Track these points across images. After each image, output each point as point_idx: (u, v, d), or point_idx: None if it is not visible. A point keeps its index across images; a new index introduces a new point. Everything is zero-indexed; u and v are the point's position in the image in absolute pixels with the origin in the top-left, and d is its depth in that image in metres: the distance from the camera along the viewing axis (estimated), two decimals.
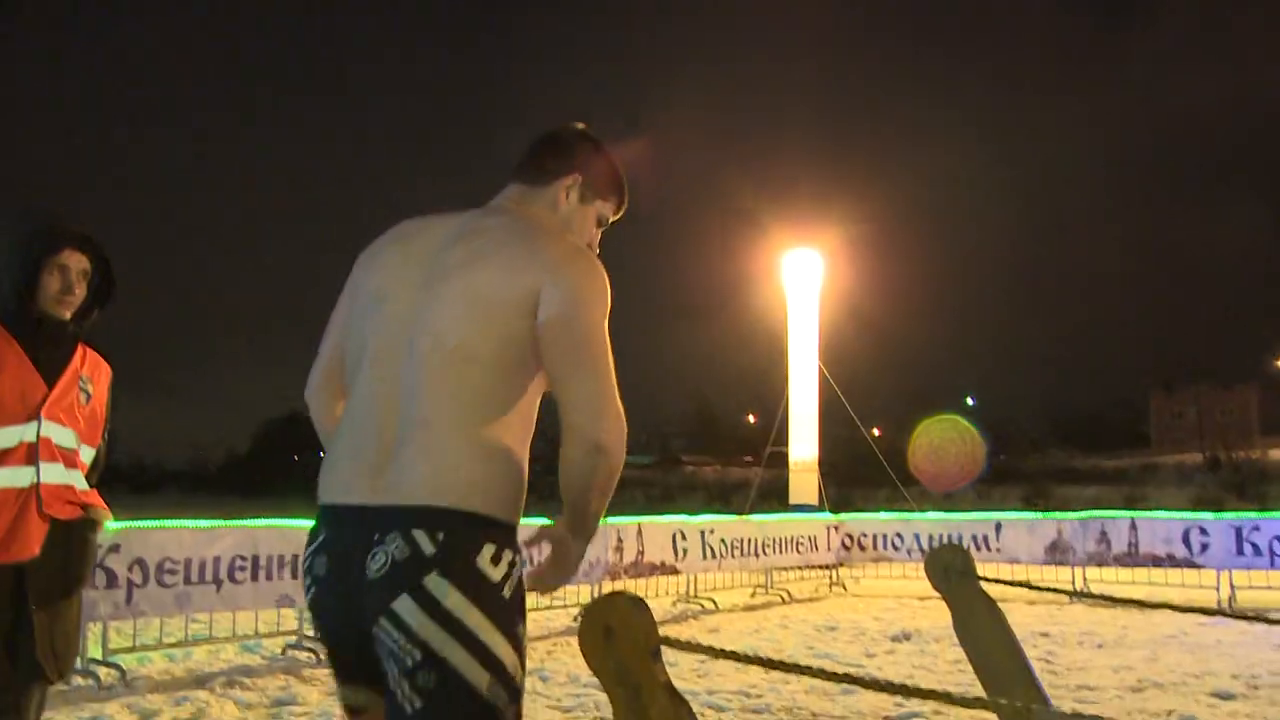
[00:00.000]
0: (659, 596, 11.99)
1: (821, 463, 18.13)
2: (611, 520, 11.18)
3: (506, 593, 1.99)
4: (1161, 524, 13.17)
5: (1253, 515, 13.69)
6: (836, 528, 14.24)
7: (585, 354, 2.07)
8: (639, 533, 11.10)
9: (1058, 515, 14.71)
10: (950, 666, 7.84)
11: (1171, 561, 12.78)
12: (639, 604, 2.17)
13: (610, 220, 2.42)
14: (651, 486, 63.40)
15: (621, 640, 2.14)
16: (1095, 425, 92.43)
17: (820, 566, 14.19)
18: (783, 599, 12.73)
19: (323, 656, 8.12)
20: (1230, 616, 10.08)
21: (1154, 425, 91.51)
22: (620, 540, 10.81)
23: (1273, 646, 8.98)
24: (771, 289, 18.70)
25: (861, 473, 42.80)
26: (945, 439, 51.22)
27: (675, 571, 11.62)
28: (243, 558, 7.76)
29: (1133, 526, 13.16)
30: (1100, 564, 13.10)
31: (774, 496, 25.77)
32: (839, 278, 20.90)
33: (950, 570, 3.45)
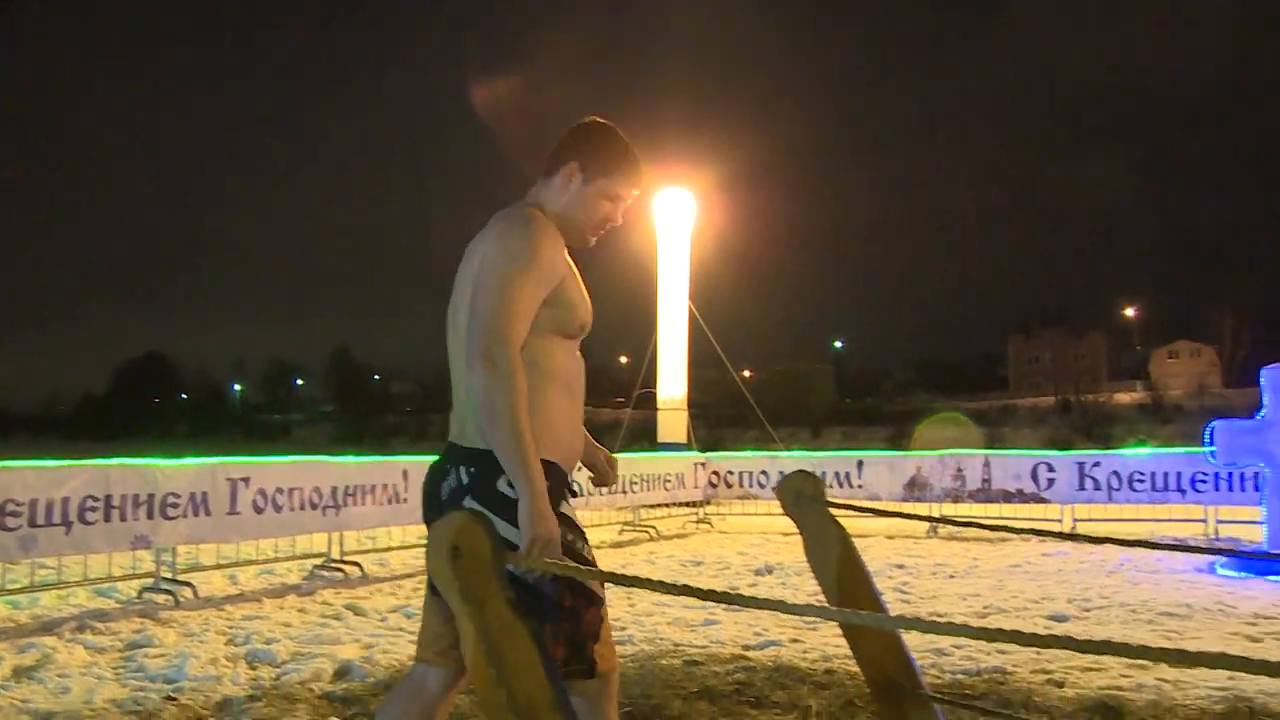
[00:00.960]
0: None
1: (691, 403, 18.31)
2: None
3: None
4: (1012, 461, 13.78)
5: (1093, 452, 14.41)
6: (703, 465, 14.47)
7: (483, 295, 2.51)
8: None
9: (917, 453, 15.24)
10: (809, 598, 8.08)
11: (1021, 496, 13.40)
12: (484, 521, 2.18)
13: (624, 193, 2.77)
14: None
15: (468, 558, 2.15)
16: (957, 369, 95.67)
17: (687, 504, 14.42)
18: (650, 536, 12.91)
19: (181, 598, 7.95)
20: (1069, 539, 10.60)
21: (1012, 369, 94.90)
22: None
23: (1106, 573, 9.50)
24: (643, 229, 18.70)
25: (731, 413, 43.46)
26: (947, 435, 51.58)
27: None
28: (94, 498, 7.49)
29: (986, 464, 13.72)
30: (956, 499, 13.63)
31: (645, 437, 26.00)
32: (711, 218, 21.03)
33: (801, 495, 3.52)
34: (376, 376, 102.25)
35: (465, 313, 2.61)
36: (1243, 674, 5.34)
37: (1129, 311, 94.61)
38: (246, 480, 8.49)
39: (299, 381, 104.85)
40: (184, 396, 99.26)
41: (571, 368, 2.72)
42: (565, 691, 2.16)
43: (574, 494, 2.85)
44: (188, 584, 8.26)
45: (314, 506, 9.01)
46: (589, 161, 2.69)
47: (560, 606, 2.49)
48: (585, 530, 2.76)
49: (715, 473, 14.54)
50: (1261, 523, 10.27)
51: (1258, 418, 10.18)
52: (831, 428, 48.23)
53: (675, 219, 17.76)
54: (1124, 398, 68.45)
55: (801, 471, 3.64)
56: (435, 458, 2.74)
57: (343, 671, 5.63)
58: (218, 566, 9.14)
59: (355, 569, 9.39)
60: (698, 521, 14.40)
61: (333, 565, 9.44)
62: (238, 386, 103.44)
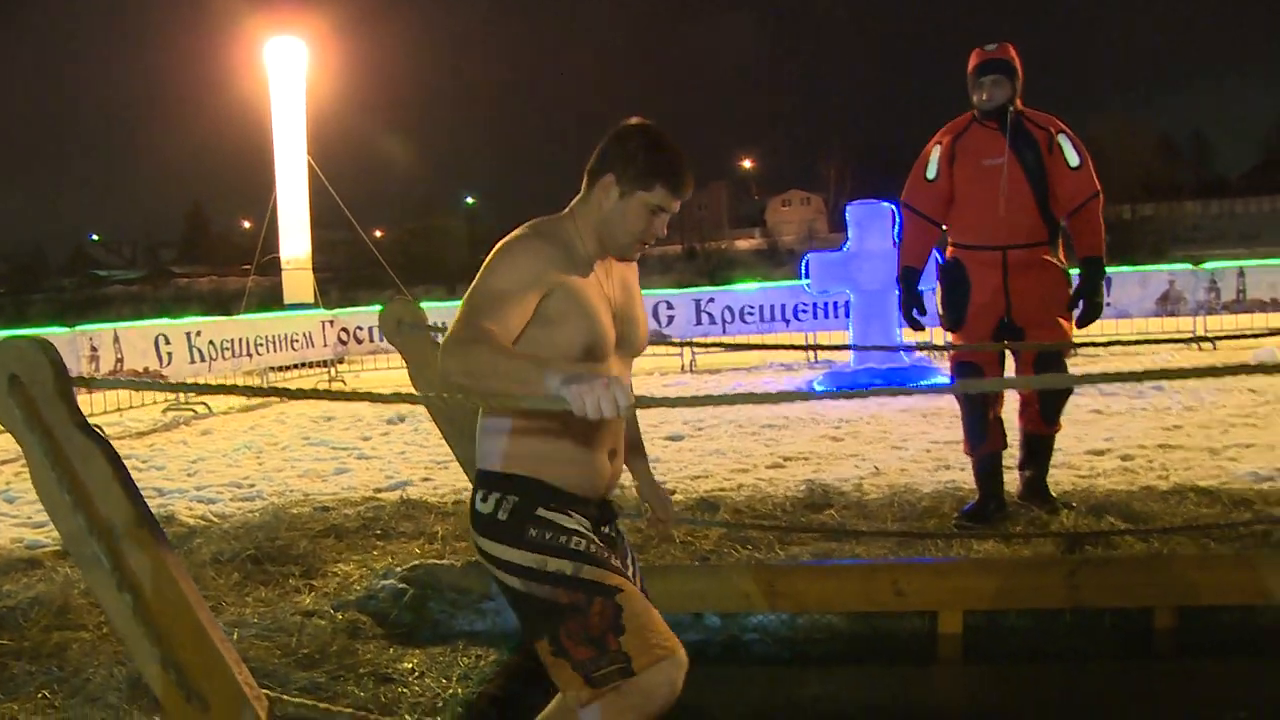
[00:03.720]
0: (145, 405, 11.42)
1: (321, 265, 17.72)
2: (81, 328, 10.40)
3: (501, 516, 2.38)
4: None
5: (708, 289, 15.39)
6: (332, 323, 14.15)
7: (465, 302, 2.31)
8: (115, 339, 10.38)
9: None
10: (439, 441, 8.23)
11: None
12: (45, 346, 2.06)
13: (667, 205, 2.51)
14: (140, 302, 58.92)
15: (28, 385, 2.04)
16: None
17: (318, 363, 14.12)
18: (279, 399, 12.56)
19: None
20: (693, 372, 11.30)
21: None
22: (94, 349, 10.07)
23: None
24: (254, 81, 17.61)
25: (365, 274, 42.59)
26: None
27: (162, 378, 11.07)
28: None
29: None
30: None
31: (274, 302, 25.05)
32: (327, 68, 20.10)
33: (403, 323, 3.58)
34: None
35: None
36: (820, 468, 6.02)
37: (747, 163, 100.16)
38: None
39: None
40: None
41: None
42: (147, 506, 2.12)
43: (614, 517, 2.61)
44: None
45: None
46: (626, 173, 2.44)
47: (559, 605, 2.32)
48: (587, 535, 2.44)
49: (345, 330, 14.28)
50: (849, 344, 11.43)
51: (844, 249, 11.21)
52: (467, 284, 48.15)
53: (287, 69, 16.83)
54: (743, 244, 72.95)
55: (402, 299, 3.69)
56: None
57: None
58: None
59: None
60: (330, 380, 14.15)
61: None
62: None
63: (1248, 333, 7.63)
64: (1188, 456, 6.49)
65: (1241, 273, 14.12)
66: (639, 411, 2.77)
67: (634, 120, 2.52)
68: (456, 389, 2.14)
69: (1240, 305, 13.99)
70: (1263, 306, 13.83)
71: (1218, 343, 13.13)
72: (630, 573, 2.56)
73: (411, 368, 3.65)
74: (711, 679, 3.46)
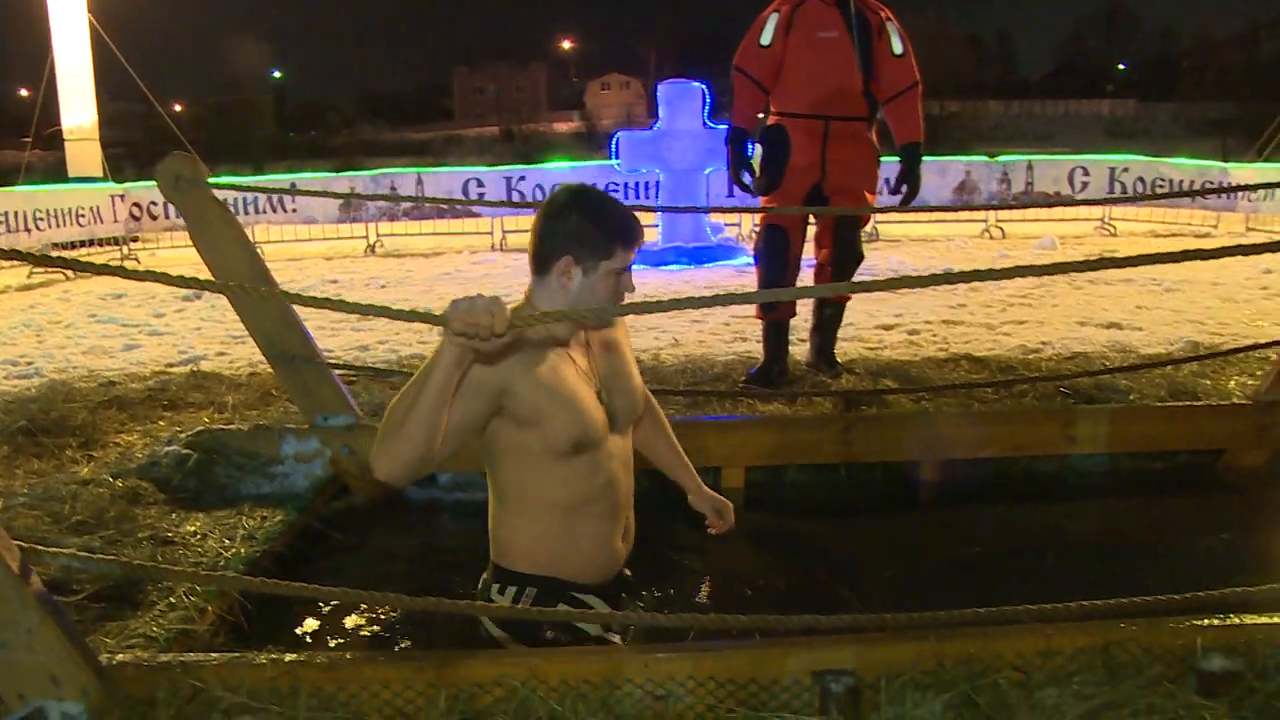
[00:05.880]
0: None
1: (112, 139, 16.61)
2: None
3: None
4: (445, 178, 14.27)
5: (519, 167, 15.24)
6: (123, 197, 13.39)
7: None
8: None
9: (350, 173, 15.22)
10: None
11: (454, 213, 13.92)
12: None
13: (629, 259, 2.36)
14: None
15: None
16: (402, 100, 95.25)
17: (109, 240, 13.38)
18: (66, 276, 11.88)
19: None
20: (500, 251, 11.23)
21: (457, 100, 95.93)
22: None
23: (525, 276, 10.26)
24: None
25: (163, 149, 40.34)
26: None
27: None
28: None
29: (419, 181, 14.05)
30: (392, 219, 13.89)
31: (59, 178, 23.51)
32: None
33: (181, 179, 3.43)
34: None
35: None
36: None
37: (566, 44, 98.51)
38: None
39: None
40: None
41: (577, 489, 2.38)
42: None
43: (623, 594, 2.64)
44: None
45: None
46: (582, 251, 2.28)
47: None
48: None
49: (138, 205, 13.54)
50: (657, 225, 11.54)
51: (654, 129, 11.23)
52: (275, 162, 46.17)
53: None
54: (562, 127, 72.02)
55: (179, 154, 3.54)
56: None
57: None
58: None
59: None
60: (124, 258, 13.41)
61: None
62: None
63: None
64: (967, 331, 6.89)
65: (1030, 166, 14.95)
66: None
67: (560, 192, 2.37)
68: (408, 471, 2.07)
69: (1028, 196, 14.79)
70: (1048, 199, 14.64)
71: (1005, 230, 13.91)
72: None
73: (191, 226, 3.50)
74: None
